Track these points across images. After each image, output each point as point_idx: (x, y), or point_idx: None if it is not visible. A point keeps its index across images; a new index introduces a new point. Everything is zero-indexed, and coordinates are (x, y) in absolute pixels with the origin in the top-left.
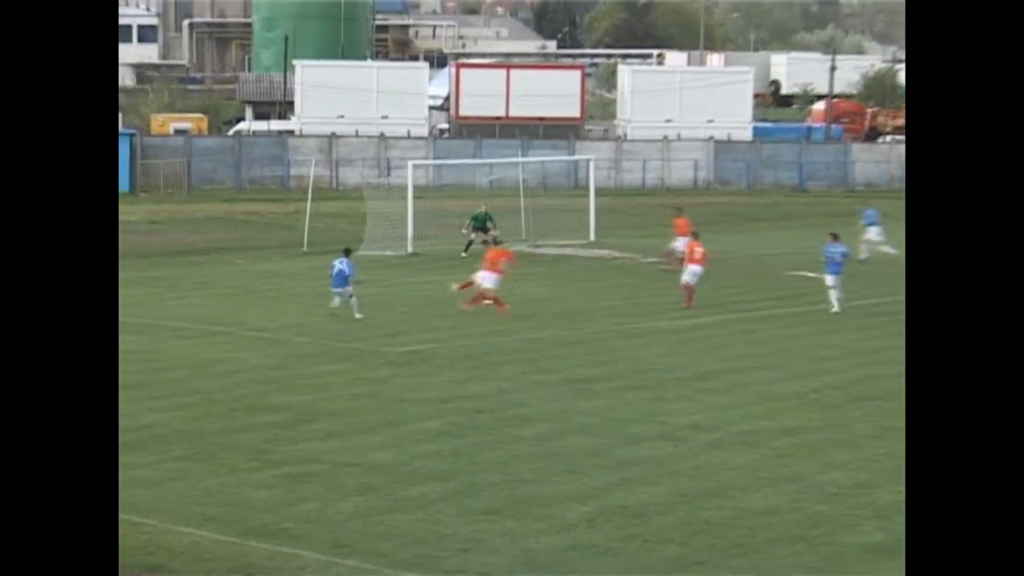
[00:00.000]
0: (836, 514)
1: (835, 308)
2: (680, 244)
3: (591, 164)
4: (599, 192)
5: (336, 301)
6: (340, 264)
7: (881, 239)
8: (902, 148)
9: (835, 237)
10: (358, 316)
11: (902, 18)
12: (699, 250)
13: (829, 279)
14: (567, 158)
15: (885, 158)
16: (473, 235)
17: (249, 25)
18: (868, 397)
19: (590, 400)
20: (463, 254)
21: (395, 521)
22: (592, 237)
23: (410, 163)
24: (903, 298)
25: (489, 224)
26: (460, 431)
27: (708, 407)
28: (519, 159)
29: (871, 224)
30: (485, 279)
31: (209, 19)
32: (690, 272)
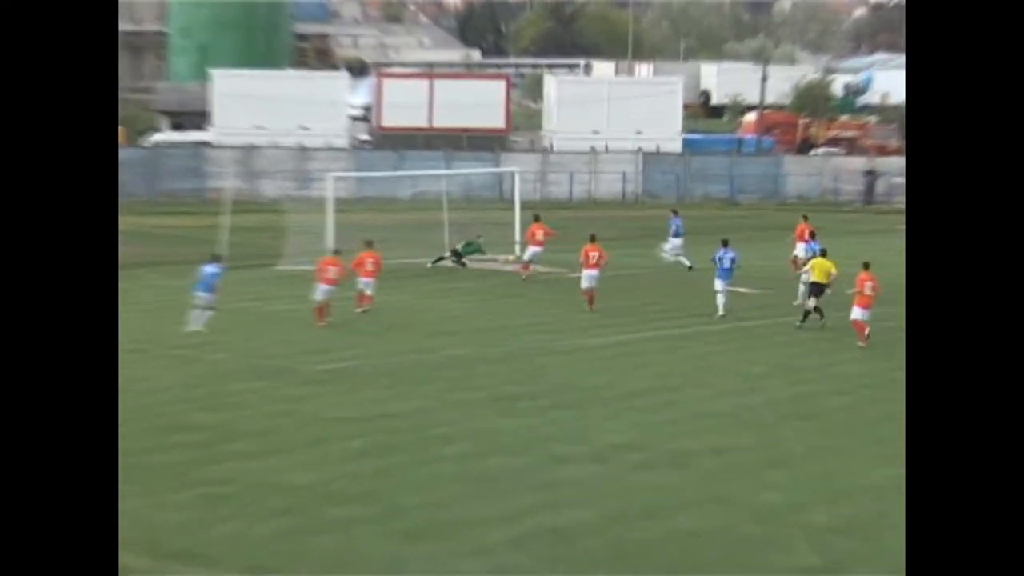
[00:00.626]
0: (768, 536)
1: (720, 312)
2: (531, 253)
3: (516, 177)
4: (524, 205)
5: (195, 321)
6: (212, 268)
7: (679, 250)
8: (835, 160)
9: (725, 243)
10: (200, 329)
11: (835, 27)
12: (594, 254)
13: (718, 284)
14: (491, 170)
15: (817, 171)
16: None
17: (165, 33)
18: (801, 416)
19: (515, 419)
20: (429, 265)
21: (315, 543)
22: (518, 252)
23: (330, 176)
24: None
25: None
26: (381, 451)
27: (636, 426)
28: (442, 171)
29: (677, 235)
30: (322, 291)
31: (123, 27)
32: (587, 277)
